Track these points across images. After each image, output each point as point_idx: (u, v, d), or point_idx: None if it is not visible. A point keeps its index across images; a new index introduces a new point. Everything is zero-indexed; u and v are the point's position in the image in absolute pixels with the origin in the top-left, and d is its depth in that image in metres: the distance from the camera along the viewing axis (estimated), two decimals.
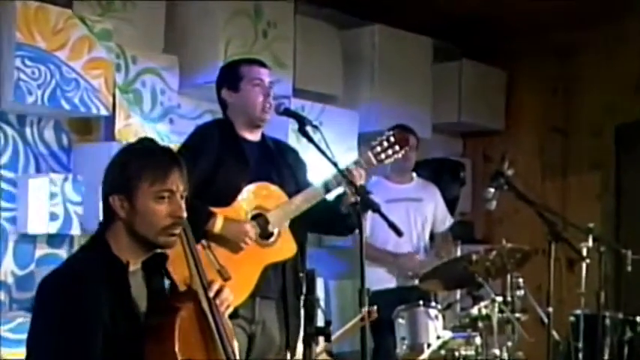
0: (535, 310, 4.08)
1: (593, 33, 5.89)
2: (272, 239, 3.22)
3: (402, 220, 4.43)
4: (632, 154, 5.90)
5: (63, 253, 4.09)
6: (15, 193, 3.97)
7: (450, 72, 6.07)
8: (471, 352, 3.93)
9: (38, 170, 4.09)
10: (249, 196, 3.21)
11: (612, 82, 5.87)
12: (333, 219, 3.33)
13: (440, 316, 4.06)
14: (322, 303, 3.84)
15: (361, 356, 2.69)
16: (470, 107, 6.09)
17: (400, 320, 4.05)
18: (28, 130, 4.08)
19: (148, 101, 4.36)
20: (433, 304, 4.15)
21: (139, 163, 2.17)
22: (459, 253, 4.51)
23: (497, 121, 6.40)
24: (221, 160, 3.21)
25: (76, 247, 4.08)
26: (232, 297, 2.38)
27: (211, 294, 2.30)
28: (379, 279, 4.54)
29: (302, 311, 2.60)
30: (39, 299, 2.12)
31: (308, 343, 2.52)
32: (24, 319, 3.67)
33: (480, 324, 3.98)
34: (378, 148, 3.33)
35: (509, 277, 4.17)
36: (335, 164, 3.03)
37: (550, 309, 3.68)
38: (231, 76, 3.37)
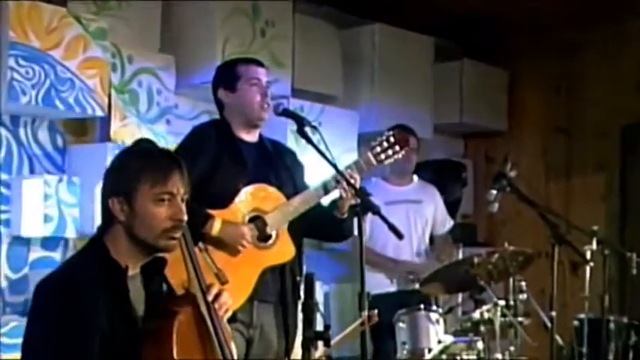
0: (538, 314, 4.08)
1: (597, 31, 5.89)
2: (270, 242, 3.22)
3: (401, 222, 4.43)
4: (637, 154, 5.90)
5: (57, 256, 4.09)
6: (8, 194, 3.97)
7: (451, 72, 6.07)
8: (473, 357, 3.93)
9: (32, 171, 4.09)
10: (247, 198, 3.21)
11: (616, 81, 5.87)
12: (328, 225, 3.33)
13: (441, 320, 4.06)
14: (321, 307, 3.84)
15: None
16: (471, 107, 6.09)
17: (401, 324, 4.05)
18: (21, 131, 4.08)
19: (145, 101, 4.36)
20: (434, 307, 4.15)
21: (138, 165, 2.17)
22: (460, 256, 4.50)
23: (500, 122, 6.40)
24: (218, 161, 3.21)
25: (70, 250, 4.09)
26: (231, 301, 2.38)
27: (210, 298, 2.30)
28: (379, 283, 4.54)
29: (300, 315, 2.60)
30: (35, 303, 2.11)
31: (307, 348, 2.52)
32: (18, 323, 3.66)
33: (482, 328, 3.98)
34: (378, 149, 3.33)
35: (511, 280, 4.18)
36: (334, 165, 3.03)
37: (553, 313, 3.68)
38: (227, 76, 3.37)
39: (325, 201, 3.33)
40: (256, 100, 3.30)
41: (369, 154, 3.33)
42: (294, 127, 3.14)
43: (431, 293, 4.33)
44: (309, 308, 2.58)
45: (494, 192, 3.89)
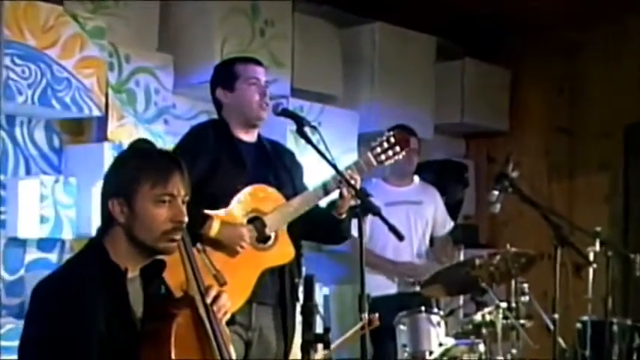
0: (540, 316, 4.09)
1: (598, 31, 5.90)
2: (269, 243, 3.22)
3: (401, 223, 4.40)
4: None
5: (54, 258, 4.09)
6: (4, 195, 3.96)
7: (453, 71, 6.07)
8: None
9: (28, 172, 4.08)
10: (246, 199, 3.20)
11: (619, 81, 5.87)
12: (326, 226, 3.33)
13: (442, 323, 4.06)
14: (321, 309, 3.84)
15: None
16: (473, 107, 6.09)
17: (401, 327, 4.04)
18: (17, 131, 4.07)
19: (142, 101, 4.36)
20: (435, 310, 4.15)
21: (139, 165, 2.17)
22: (462, 258, 4.51)
23: (501, 122, 6.40)
24: (217, 161, 3.21)
25: (67, 252, 4.08)
26: (230, 303, 2.38)
27: (208, 300, 2.30)
28: (379, 285, 4.53)
29: (300, 317, 2.59)
30: (33, 305, 2.11)
31: (306, 351, 2.52)
32: (14, 325, 3.66)
33: (484, 331, 3.98)
34: (378, 149, 3.33)
35: (513, 282, 4.17)
36: (334, 166, 3.03)
37: (556, 315, 3.68)
38: (226, 75, 3.37)
39: (324, 202, 3.33)
40: (255, 100, 3.30)
41: (369, 155, 3.33)
42: (294, 127, 3.14)
43: (432, 295, 4.33)
44: (309, 310, 2.58)
45: (496, 193, 3.89)
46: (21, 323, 2.12)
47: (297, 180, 3.41)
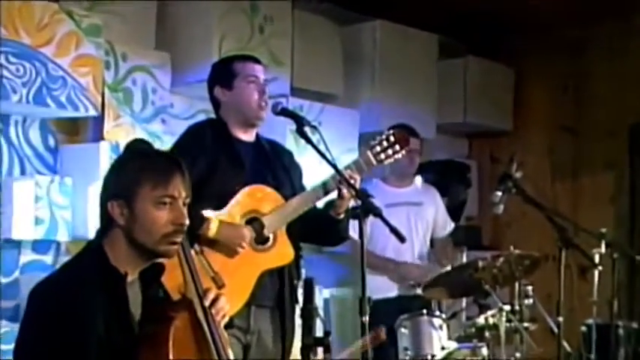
0: (545, 319, 4.08)
1: (602, 28, 5.90)
2: (268, 244, 3.22)
3: (402, 225, 4.40)
4: None
5: (49, 260, 4.09)
6: None
7: (455, 69, 6.07)
8: None
9: (23, 172, 4.08)
10: (244, 199, 3.21)
11: (624, 79, 5.87)
12: (324, 227, 3.33)
13: (444, 326, 4.06)
14: (321, 312, 3.84)
15: None
16: (476, 106, 6.09)
17: (403, 330, 4.04)
18: (12, 130, 4.07)
19: (139, 100, 4.36)
20: (437, 312, 4.15)
21: (139, 167, 2.17)
22: (464, 260, 4.51)
23: (505, 121, 6.40)
24: (214, 161, 3.21)
25: (62, 254, 4.08)
26: (228, 306, 2.38)
27: (207, 303, 2.30)
28: (379, 287, 4.52)
29: (300, 321, 2.59)
30: (30, 307, 2.11)
31: (306, 354, 2.52)
32: (8, 328, 3.66)
33: (487, 334, 3.98)
34: (378, 148, 3.33)
35: (517, 284, 4.17)
36: (334, 166, 3.03)
37: (560, 318, 3.67)
38: (224, 73, 3.37)
39: (321, 202, 3.33)
40: (254, 99, 3.30)
41: (369, 154, 3.33)
42: (294, 126, 3.14)
43: (434, 298, 4.33)
44: (309, 314, 2.58)
45: (500, 193, 3.89)
46: (16, 326, 2.12)
47: (295, 180, 3.41)
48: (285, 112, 3.27)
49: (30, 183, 3.90)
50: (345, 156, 4.62)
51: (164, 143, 4.12)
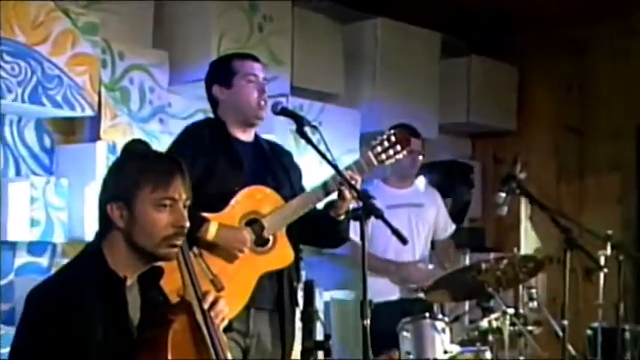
0: (549, 322, 4.09)
1: (606, 27, 5.90)
2: (268, 246, 3.22)
3: (403, 226, 4.38)
4: None
5: (44, 262, 4.09)
6: None
7: (458, 69, 6.07)
8: None
9: (18, 173, 4.08)
10: (243, 201, 3.20)
11: (629, 78, 5.87)
12: (324, 229, 3.33)
13: (447, 329, 4.06)
14: (321, 315, 3.84)
15: None
16: (479, 106, 6.09)
17: (405, 333, 4.04)
18: (7, 130, 4.07)
19: (136, 100, 4.36)
20: (440, 316, 4.15)
21: (139, 168, 2.17)
22: (467, 262, 4.51)
23: (509, 121, 6.40)
24: (213, 162, 3.21)
25: (58, 256, 4.09)
26: (227, 309, 2.38)
27: (206, 306, 2.30)
28: (380, 290, 4.51)
29: (300, 324, 2.59)
30: (27, 311, 2.10)
31: (306, 358, 2.53)
32: (4, 332, 3.65)
33: (491, 337, 3.98)
34: (379, 148, 3.33)
35: (521, 287, 4.18)
36: (335, 166, 3.02)
37: (565, 322, 3.67)
38: (222, 72, 3.37)
39: (322, 203, 3.33)
40: (253, 98, 3.30)
41: (370, 154, 3.33)
42: (294, 126, 3.14)
43: (436, 301, 4.33)
44: (309, 316, 2.58)
45: (503, 194, 3.89)
46: (11, 330, 2.12)
47: (295, 181, 3.41)
48: (285, 112, 3.27)
49: (25, 184, 3.90)
50: (346, 156, 4.62)
51: (162, 143, 4.11)
